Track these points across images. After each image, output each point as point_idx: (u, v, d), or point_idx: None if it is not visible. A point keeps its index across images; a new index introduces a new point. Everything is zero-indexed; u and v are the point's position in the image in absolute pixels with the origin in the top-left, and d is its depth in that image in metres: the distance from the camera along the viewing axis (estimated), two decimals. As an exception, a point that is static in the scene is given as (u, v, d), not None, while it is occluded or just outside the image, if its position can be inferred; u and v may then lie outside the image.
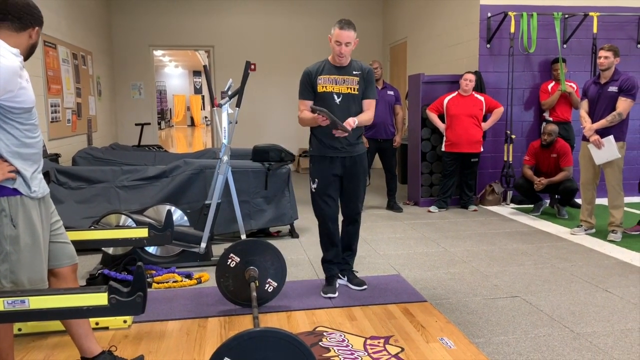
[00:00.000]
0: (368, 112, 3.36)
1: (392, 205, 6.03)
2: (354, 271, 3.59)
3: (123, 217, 3.76)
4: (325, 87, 3.29)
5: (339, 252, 3.50)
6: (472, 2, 6.29)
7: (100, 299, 1.87)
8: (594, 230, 4.84)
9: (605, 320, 2.94)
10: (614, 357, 2.50)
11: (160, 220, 3.76)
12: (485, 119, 5.88)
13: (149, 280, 3.54)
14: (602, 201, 5.17)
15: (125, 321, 2.86)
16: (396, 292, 3.40)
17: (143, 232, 2.89)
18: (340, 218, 3.50)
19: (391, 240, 4.72)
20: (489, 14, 6.12)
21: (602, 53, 4.50)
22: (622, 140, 4.54)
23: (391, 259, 4.15)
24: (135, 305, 1.87)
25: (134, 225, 3.64)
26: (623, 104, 4.43)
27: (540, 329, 2.83)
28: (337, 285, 3.47)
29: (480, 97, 5.83)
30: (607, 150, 4.50)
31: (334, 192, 3.38)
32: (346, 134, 3.15)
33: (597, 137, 4.50)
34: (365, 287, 3.48)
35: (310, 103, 3.30)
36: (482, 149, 5.88)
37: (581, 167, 4.81)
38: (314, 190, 3.40)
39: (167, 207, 3.91)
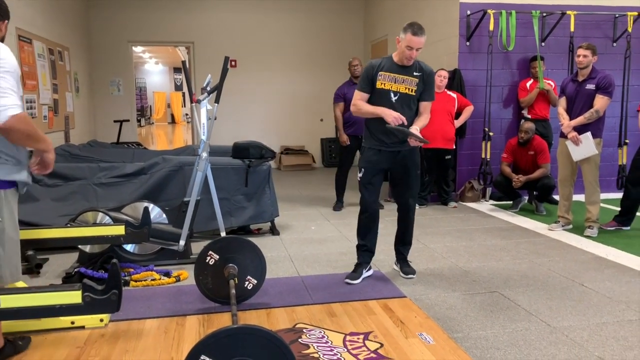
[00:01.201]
0: (425, 115, 3.46)
1: (373, 202, 6.04)
2: (408, 261, 3.73)
3: (100, 214, 3.71)
4: (384, 84, 3.38)
5: (372, 242, 3.63)
6: (452, 0, 6.32)
7: (74, 297, 1.84)
8: (571, 226, 4.90)
9: (581, 314, 2.98)
10: (589, 351, 2.54)
11: (138, 217, 3.70)
12: (456, 117, 5.95)
13: (126, 278, 3.49)
14: (579, 197, 5.23)
15: (101, 320, 2.82)
16: (376, 288, 3.41)
17: (120, 230, 2.86)
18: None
19: (372, 236, 4.73)
20: (469, 12, 6.16)
21: (580, 51, 4.55)
22: (599, 137, 4.60)
23: (371, 255, 4.15)
24: (110, 303, 1.85)
25: (111, 222, 3.59)
26: (600, 102, 4.49)
27: (517, 324, 2.86)
28: (364, 274, 3.58)
29: (453, 95, 5.89)
30: (585, 147, 4.55)
31: (377, 184, 3.54)
32: (421, 144, 3.30)
33: (575, 133, 4.55)
34: (412, 276, 3.61)
35: (367, 97, 3.42)
36: (454, 147, 5.93)
37: (559, 164, 4.87)
38: (359, 178, 3.56)
39: (145, 204, 3.86)
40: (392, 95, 3.37)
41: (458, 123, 5.90)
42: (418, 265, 3.84)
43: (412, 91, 3.39)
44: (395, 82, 3.37)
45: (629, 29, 6.25)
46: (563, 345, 2.60)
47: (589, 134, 4.53)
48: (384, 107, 3.33)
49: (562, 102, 4.78)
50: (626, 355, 2.49)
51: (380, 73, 3.38)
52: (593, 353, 2.51)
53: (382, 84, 3.38)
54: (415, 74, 3.39)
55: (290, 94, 9.75)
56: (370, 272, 3.64)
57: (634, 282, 3.51)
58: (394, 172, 3.54)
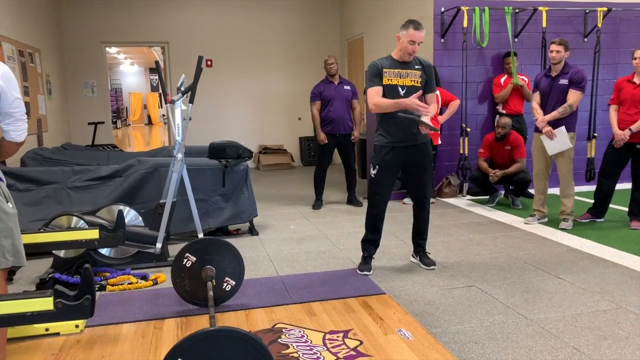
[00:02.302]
0: (433, 105, 3.62)
1: (352, 200, 6.06)
2: (427, 252, 3.83)
3: (74, 218, 3.64)
4: (391, 80, 3.52)
5: (379, 236, 3.75)
6: (426, -3, 6.37)
7: (45, 303, 1.80)
8: (546, 219, 4.97)
9: (557, 306, 3.02)
10: (564, 342, 2.58)
11: (114, 221, 3.65)
12: (440, 112, 5.97)
13: (102, 283, 3.44)
14: (554, 191, 5.32)
15: (77, 326, 2.77)
16: (355, 285, 3.41)
17: (94, 234, 2.82)
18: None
19: (351, 234, 4.74)
20: (443, 9, 6.21)
21: (553, 47, 4.60)
22: (572, 131, 4.67)
23: (351, 253, 4.16)
24: (83, 308, 1.81)
25: (86, 226, 3.53)
26: (573, 96, 4.55)
27: (495, 317, 2.89)
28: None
29: (436, 91, 5.90)
30: (559, 141, 4.62)
31: (390, 181, 3.64)
32: (432, 131, 3.42)
33: (549, 128, 4.61)
34: (434, 267, 3.72)
35: (381, 90, 3.52)
36: (439, 142, 5.96)
37: (534, 159, 4.93)
38: (372, 175, 3.63)
39: (120, 207, 3.81)
40: (400, 89, 3.52)
41: (443, 118, 5.89)
42: (397, 262, 3.86)
43: (417, 83, 3.55)
44: (400, 77, 3.53)
45: (599, 25, 6.36)
46: (540, 337, 2.63)
47: (563, 128, 4.60)
48: (406, 99, 3.43)
49: (536, 97, 4.83)
50: (600, 344, 2.54)
51: (385, 70, 3.52)
52: (568, 344, 2.55)
53: (389, 79, 3.52)
54: (416, 67, 3.57)
55: (267, 93, 9.72)
56: (417, 260, 3.84)
57: (608, 273, 3.57)
58: (410, 167, 3.63)
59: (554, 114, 4.60)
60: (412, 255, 3.91)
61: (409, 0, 6.89)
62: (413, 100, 3.39)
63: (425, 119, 3.39)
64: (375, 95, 3.53)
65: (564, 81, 4.60)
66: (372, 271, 3.66)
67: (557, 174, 4.82)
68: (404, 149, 3.56)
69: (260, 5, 9.51)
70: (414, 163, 3.61)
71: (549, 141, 4.67)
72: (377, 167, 3.60)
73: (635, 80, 4.63)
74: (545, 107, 4.72)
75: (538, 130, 4.77)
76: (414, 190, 3.75)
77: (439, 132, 5.85)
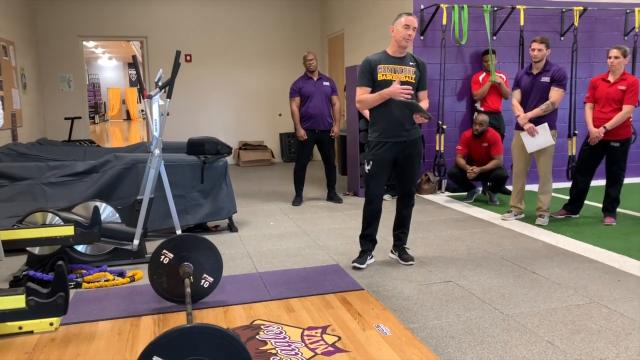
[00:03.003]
0: (425, 102, 3.68)
1: (332, 197, 6.06)
2: (405, 248, 3.85)
3: (50, 215, 3.59)
4: (385, 75, 3.54)
5: (376, 230, 3.76)
6: (406, -6, 6.39)
7: (17, 301, 1.77)
8: (523, 216, 5.04)
9: (532, 301, 3.07)
10: (539, 336, 2.62)
11: (90, 217, 3.60)
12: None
13: (78, 280, 3.39)
14: (531, 187, 5.39)
15: (51, 324, 2.72)
16: (334, 281, 3.42)
17: (69, 230, 2.78)
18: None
19: (331, 230, 4.75)
20: (422, 6, 6.23)
21: (535, 45, 4.63)
22: (554, 128, 4.71)
23: (330, 249, 4.17)
24: (57, 306, 1.79)
25: (61, 223, 3.48)
26: (555, 94, 4.60)
27: (471, 312, 2.92)
28: (368, 262, 3.75)
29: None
30: (541, 138, 4.64)
31: (385, 176, 3.68)
32: (427, 120, 3.44)
33: (531, 125, 4.64)
34: (412, 263, 3.75)
35: (369, 90, 3.57)
36: None
37: (514, 156, 4.96)
38: (367, 171, 3.65)
39: (96, 203, 3.75)
40: (394, 85, 3.52)
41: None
42: (376, 257, 3.87)
43: (412, 79, 3.59)
44: (395, 72, 3.55)
45: (576, 23, 6.46)
46: (515, 332, 2.67)
47: (545, 125, 4.62)
48: (387, 88, 3.45)
49: (517, 95, 4.86)
50: (574, 338, 2.58)
51: (379, 66, 3.54)
52: (543, 338, 2.59)
53: (383, 75, 3.54)
54: (411, 63, 3.60)
55: (247, 88, 9.67)
56: (372, 260, 3.81)
57: (582, 268, 3.64)
58: (401, 162, 3.66)
59: (536, 112, 4.63)
60: (391, 251, 3.93)
61: (389, -3, 6.91)
62: (395, 87, 3.42)
63: (424, 110, 3.46)
64: (360, 93, 3.56)
65: (545, 79, 4.64)
66: (364, 265, 3.69)
67: (537, 171, 4.86)
68: (397, 144, 3.59)
69: (240, 1, 9.44)
70: (406, 158, 3.65)
71: (529, 138, 4.70)
72: (371, 162, 3.62)
73: (610, 78, 4.71)
74: (527, 105, 4.75)
75: (519, 127, 4.80)
76: (402, 184, 3.78)
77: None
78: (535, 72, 4.72)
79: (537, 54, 4.62)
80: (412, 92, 3.50)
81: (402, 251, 3.84)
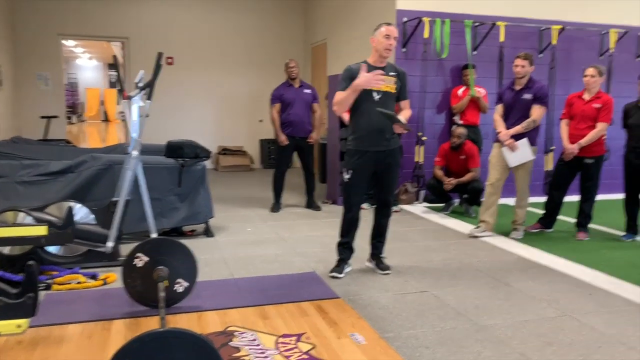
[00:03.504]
0: (407, 111, 3.73)
1: (311, 204, 6.06)
2: (382, 257, 3.86)
3: (21, 214, 3.51)
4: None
5: (353, 238, 3.77)
6: (389, 6, 6.45)
7: (-16, 301, 1.72)
8: (491, 233, 4.91)
9: (506, 313, 3.10)
10: (512, 347, 2.64)
11: (64, 218, 3.53)
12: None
13: (49, 281, 3.32)
14: (506, 201, 5.45)
15: (19, 326, 2.63)
16: (310, 289, 3.41)
17: (41, 230, 2.70)
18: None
19: (309, 238, 4.74)
20: (405, 19, 6.30)
21: (518, 62, 4.64)
22: (534, 144, 4.73)
23: (308, 256, 4.16)
24: (25, 307, 1.74)
25: (34, 223, 3.40)
26: (537, 111, 4.62)
27: (446, 322, 2.94)
28: (345, 270, 3.75)
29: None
30: (522, 153, 4.66)
31: (364, 184, 3.68)
32: (406, 131, 3.52)
33: (512, 140, 4.65)
34: (389, 272, 3.75)
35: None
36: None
37: (490, 167, 4.90)
38: (347, 180, 3.64)
39: (70, 203, 3.69)
40: (374, 94, 3.54)
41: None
42: (353, 266, 3.87)
43: (392, 89, 3.60)
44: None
45: (554, 42, 6.60)
46: (488, 343, 2.69)
47: (526, 140, 4.64)
48: (357, 79, 3.42)
49: (499, 110, 4.86)
50: (546, 350, 2.61)
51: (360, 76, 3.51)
52: (516, 349, 2.62)
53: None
54: (391, 73, 3.61)
55: (228, 93, 9.63)
56: (349, 268, 3.81)
57: (555, 281, 3.69)
58: (379, 171, 3.66)
59: (518, 129, 4.63)
60: (368, 260, 3.93)
61: (372, 9, 6.97)
62: (364, 75, 3.40)
63: (402, 118, 3.49)
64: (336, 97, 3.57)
65: (527, 96, 4.64)
66: (343, 274, 3.68)
67: (515, 184, 4.86)
68: (377, 153, 3.59)
69: (224, 5, 9.43)
70: (384, 168, 3.65)
71: (510, 153, 4.70)
72: (350, 171, 3.62)
73: (585, 96, 4.81)
74: (508, 120, 4.75)
75: (498, 141, 4.79)
76: (380, 194, 3.78)
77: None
78: (517, 88, 4.72)
79: (519, 70, 4.64)
80: (382, 79, 3.46)
81: (379, 260, 3.84)
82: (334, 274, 3.66)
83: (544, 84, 4.85)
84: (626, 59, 7.14)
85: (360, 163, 3.60)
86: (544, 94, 4.66)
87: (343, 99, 3.52)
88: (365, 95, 3.51)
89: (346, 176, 3.64)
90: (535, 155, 4.78)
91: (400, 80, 3.65)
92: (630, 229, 4.85)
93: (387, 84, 3.56)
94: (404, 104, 3.74)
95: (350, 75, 3.54)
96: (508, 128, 4.72)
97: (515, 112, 4.72)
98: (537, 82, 4.73)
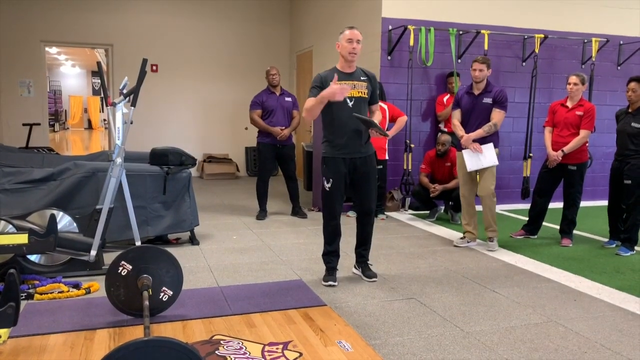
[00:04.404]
0: (378, 113, 3.75)
1: (296, 212, 6.04)
2: (369, 264, 3.85)
3: (2, 222, 3.45)
4: None
5: (339, 245, 3.76)
6: (375, 14, 6.49)
7: (-37, 311, 1.68)
8: (476, 243, 4.85)
9: (492, 319, 3.10)
10: (498, 354, 2.64)
11: (46, 226, 3.48)
12: (387, 128, 6.06)
13: (30, 291, 3.26)
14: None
15: (-1, 336, 2.60)
16: (297, 297, 3.38)
17: (22, 239, 2.67)
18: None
19: (294, 246, 4.72)
20: (390, 27, 6.34)
21: (476, 66, 4.56)
22: (497, 147, 4.67)
23: (294, 264, 4.14)
24: (6, 316, 1.70)
25: (15, 231, 3.34)
26: (498, 115, 4.56)
27: (433, 329, 2.93)
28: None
29: (384, 105, 6.00)
30: (486, 157, 4.59)
31: (344, 191, 3.66)
32: (382, 136, 3.53)
33: (476, 143, 4.58)
34: (375, 279, 3.74)
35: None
36: (386, 157, 6.02)
37: (460, 179, 4.86)
38: (328, 189, 3.61)
39: (53, 211, 3.63)
40: (348, 100, 3.52)
41: (390, 133, 5.94)
42: (339, 273, 3.85)
43: (364, 94, 3.60)
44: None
45: (536, 50, 6.68)
46: (475, 349, 2.69)
47: (491, 144, 4.60)
48: (325, 89, 3.41)
49: (457, 115, 4.77)
50: (532, 356, 2.62)
51: (330, 83, 3.48)
52: (502, 356, 2.62)
53: None
54: (362, 78, 3.62)
55: (214, 101, 9.60)
56: (359, 271, 3.88)
57: (540, 287, 3.71)
58: (355, 178, 3.65)
59: (480, 132, 4.57)
60: (354, 267, 3.92)
61: (357, 17, 7.00)
62: (332, 87, 3.37)
63: (379, 127, 3.50)
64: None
65: (487, 100, 4.58)
66: (337, 282, 3.66)
67: (479, 194, 4.71)
68: (350, 160, 3.59)
69: (209, 12, 9.41)
70: (360, 174, 3.64)
71: (470, 157, 4.62)
72: (330, 180, 3.60)
73: (568, 104, 4.87)
74: (468, 125, 4.68)
75: (461, 148, 4.72)
76: (359, 201, 3.78)
77: (384, 147, 5.94)
78: (476, 92, 4.64)
79: (478, 74, 4.56)
80: (347, 89, 3.45)
81: (365, 267, 3.83)
82: (330, 282, 3.63)
83: (503, 88, 4.72)
84: (607, 67, 7.26)
85: (338, 170, 3.58)
86: (504, 97, 4.58)
87: (311, 107, 3.50)
88: (338, 102, 3.47)
89: (327, 185, 3.61)
90: (498, 159, 4.67)
91: (371, 84, 3.64)
92: (613, 235, 4.90)
93: (359, 89, 3.56)
94: (375, 107, 3.73)
95: (320, 83, 3.53)
96: (468, 133, 4.65)
97: (474, 116, 4.65)
98: (496, 86, 4.68)
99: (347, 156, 3.58)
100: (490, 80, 4.70)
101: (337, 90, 3.37)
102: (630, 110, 4.68)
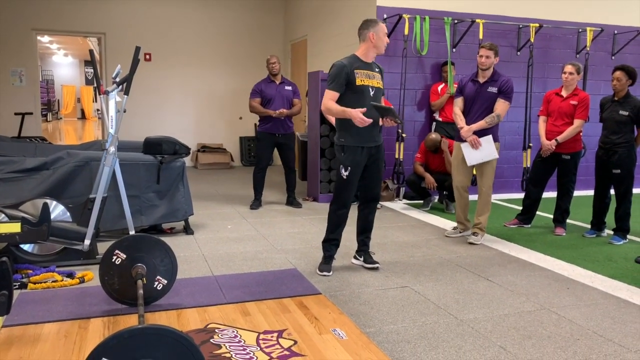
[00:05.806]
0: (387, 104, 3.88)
1: (291, 201, 6.03)
2: (370, 252, 3.86)
3: (-6, 212, 3.42)
4: (363, 80, 3.55)
5: (341, 234, 3.76)
6: (370, 3, 6.45)
7: (-45, 300, 1.67)
8: (469, 232, 4.76)
9: (486, 307, 3.12)
10: (492, 341, 2.66)
11: (39, 215, 3.46)
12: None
13: (23, 280, 3.24)
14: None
15: (-7, 325, 2.60)
16: (292, 285, 3.39)
17: (15, 227, 2.65)
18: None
19: (289, 235, 4.71)
20: (385, 16, 6.31)
21: (483, 52, 4.38)
22: (497, 140, 4.51)
23: (289, 253, 4.14)
24: (-1, 305, 1.69)
25: (7, 220, 3.32)
26: (502, 106, 4.37)
27: (427, 317, 2.95)
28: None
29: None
30: (485, 151, 4.42)
31: (357, 181, 3.68)
32: (396, 124, 3.56)
33: (475, 137, 4.40)
34: (378, 265, 3.78)
35: (337, 96, 3.53)
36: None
37: (454, 169, 4.69)
38: (345, 177, 3.60)
39: (46, 200, 3.61)
40: (370, 90, 3.58)
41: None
42: (334, 262, 3.86)
43: (380, 85, 3.67)
44: (369, 78, 3.59)
45: (532, 39, 6.67)
46: (469, 337, 2.70)
47: (490, 137, 4.41)
48: (352, 109, 3.41)
49: (459, 103, 4.58)
50: (525, 343, 2.64)
51: (356, 71, 3.52)
52: (496, 343, 2.64)
53: (361, 80, 3.54)
54: (376, 70, 3.68)
55: (208, 90, 9.55)
56: (360, 261, 3.89)
57: (533, 275, 3.73)
58: (368, 165, 3.67)
59: (481, 124, 4.38)
60: (355, 257, 3.92)
61: (352, 6, 6.96)
62: (358, 114, 3.35)
63: (397, 115, 3.53)
64: (330, 98, 3.53)
65: (492, 89, 4.38)
66: (331, 272, 3.67)
67: (478, 187, 4.61)
68: (369, 149, 3.62)
69: (203, 1, 9.33)
70: (374, 162, 3.68)
71: (470, 151, 4.45)
72: (349, 168, 3.59)
73: (563, 93, 4.87)
74: (470, 114, 4.49)
75: (460, 139, 4.53)
76: (368, 189, 3.79)
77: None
78: (481, 80, 4.45)
79: (484, 61, 4.37)
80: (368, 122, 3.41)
81: (367, 255, 3.84)
82: (324, 272, 3.64)
83: (509, 77, 4.50)
84: (602, 57, 7.27)
85: (358, 159, 3.61)
86: (510, 88, 4.38)
87: (333, 111, 3.53)
88: (362, 91, 3.54)
89: (344, 173, 3.60)
90: (499, 153, 4.54)
91: (381, 76, 3.72)
92: (594, 226, 4.90)
93: (377, 79, 3.64)
94: (383, 99, 3.83)
95: (345, 73, 3.48)
96: (469, 123, 4.46)
97: (477, 106, 4.45)
98: (503, 76, 4.46)
99: (366, 145, 3.60)
100: (496, 69, 4.51)
101: (361, 122, 3.36)
102: (616, 99, 4.67)
